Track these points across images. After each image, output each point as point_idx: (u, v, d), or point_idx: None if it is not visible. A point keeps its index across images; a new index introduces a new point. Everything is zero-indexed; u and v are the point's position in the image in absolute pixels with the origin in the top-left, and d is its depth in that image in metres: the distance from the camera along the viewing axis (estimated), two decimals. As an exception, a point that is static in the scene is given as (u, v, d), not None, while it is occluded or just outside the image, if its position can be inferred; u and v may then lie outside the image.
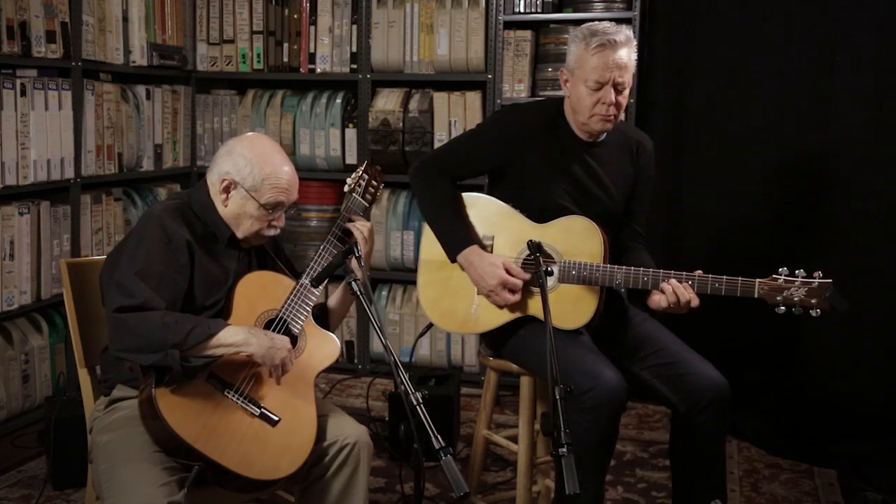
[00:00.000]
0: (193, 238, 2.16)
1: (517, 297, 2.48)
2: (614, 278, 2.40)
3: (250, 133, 2.32)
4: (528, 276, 2.47)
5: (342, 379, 4.31)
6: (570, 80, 2.50)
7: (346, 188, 2.42)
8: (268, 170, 2.18)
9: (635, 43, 2.46)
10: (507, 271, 2.46)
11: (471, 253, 2.51)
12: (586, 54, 2.42)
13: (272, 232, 2.25)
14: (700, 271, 2.36)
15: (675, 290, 2.34)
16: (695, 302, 2.34)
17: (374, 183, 2.44)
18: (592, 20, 3.95)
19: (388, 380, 4.19)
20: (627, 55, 2.42)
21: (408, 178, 2.70)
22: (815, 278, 2.28)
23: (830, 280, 2.27)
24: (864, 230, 3.48)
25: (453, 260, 2.54)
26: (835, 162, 3.55)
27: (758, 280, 2.31)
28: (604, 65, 2.40)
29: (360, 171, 2.44)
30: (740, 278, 2.32)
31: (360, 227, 2.34)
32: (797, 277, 2.29)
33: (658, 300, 2.37)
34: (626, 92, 2.47)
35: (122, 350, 2.00)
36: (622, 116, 2.57)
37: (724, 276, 2.33)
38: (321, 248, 2.29)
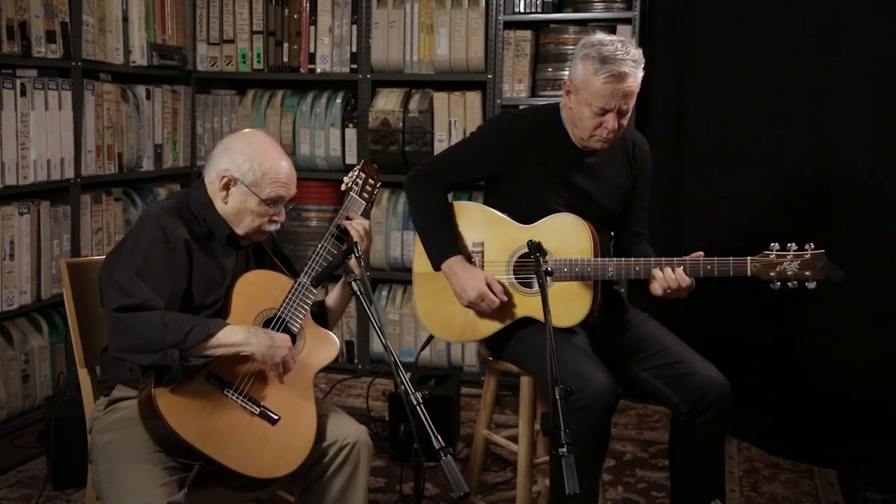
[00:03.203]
0: (191, 237, 2.16)
1: (490, 310, 2.49)
2: (607, 271, 2.40)
3: (247, 130, 2.32)
4: (505, 298, 2.49)
5: (342, 379, 4.31)
6: (572, 94, 2.46)
7: (343, 187, 2.42)
8: (267, 165, 2.19)
9: (643, 62, 2.42)
10: (489, 287, 2.47)
11: (454, 263, 2.51)
12: (594, 79, 2.37)
13: (273, 227, 2.25)
14: (701, 253, 2.36)
15: (665, 276, 2.34)
16: (685, 282, 2.34)
17: (372, 181, 2.43)
18: (592, 20, 4.01)
19: (388, 380, 4.19)
20: (635, 81, 2.39)
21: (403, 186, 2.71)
22: (806, 250, 2.28)
23: (823, 250, 2.26)
24: (865, 230, 3.47)
25: (437, 268, 2.54)
26: (835, 162, 3.55)
27: (749, 258, 2.30)
28: (611, 93, 2.36)
29: (356, 169, 2.43)
30: (732, 258, 2.31)
31: (356, 226, 2.34)
32: (789, 251, 2.29)
33: (654, 287, 2.37)
34: (629, 114, 2.45)
35: (122, 350, 2.00)
36: None
37: (716, 258, 2.33)
38: (319, 246, 2.29)
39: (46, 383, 3.66)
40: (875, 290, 3.41)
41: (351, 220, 2.35)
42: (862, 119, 3.48)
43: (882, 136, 3.45)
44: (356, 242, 2.24)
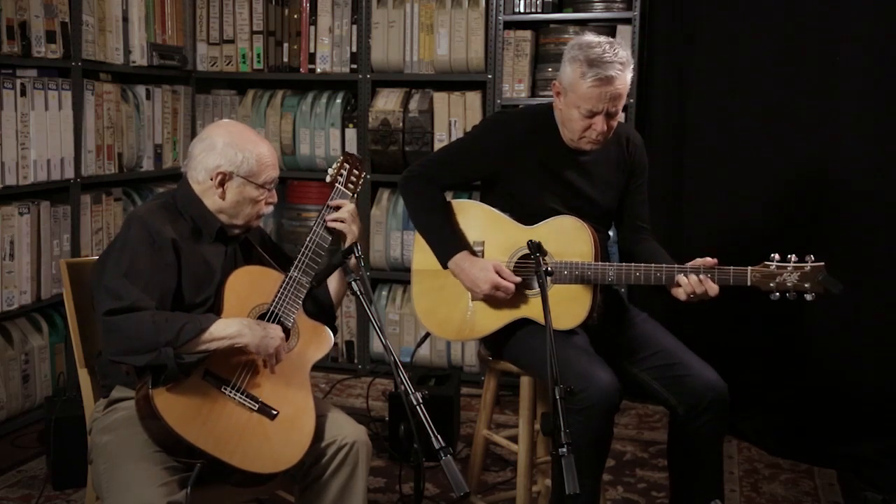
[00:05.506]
0: (178, 236, 2.16)
1: (509, 296, 2.48)
2: (607, 275, 2.40)
3: (221, 122, 2.32)
4: (518, 278, 2.48)
5: (342, 379, 4.31)
6: (562, 96, 2.46)
7: (327, 178, 2.43)
8: (256, 151, 2.22)
9: (632, 62, 2.41)
10: (499, 274, 2.46)
11: (461, 259, 2.51)
12: (581, 83, 2.37)
13: (269, 209, 2.29)
14: (714, 260, 2.35)
15: (691, 283, 2.33)
16: (712, 291, 2.33)
17: (356, 172, 2.45)
18: (592, 20, 4.01)
19: (388, 380, 4.19)
20: (623, 83, 2.37)
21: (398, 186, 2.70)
22: (806, 262, 2.28)
23: (822, 263, 2.27)
24: (864, 231, 3.47)
25: (445, 266, 2.54)
26: (834, 162, 3.55)
27: (750, 268, 2.31)
28: (598, 97, 2.36)
29: (340, 160, 2.45)
30: (732, 267, 2.32)
31: (343, 214, 2.35)
32: (789, 262, 2.29)
33: (677, 292, 2.37)
34: (619, 114, 2.44)
35: (116, 353, 2.00)
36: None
37: (716, 267, 2.33)
38: (308, 239, 2.30)
39: (46, 383, 3.66)
40: (875, 290, 3.41)
41: (338, 208, 2.35)
42: (862, 118, 3.48)
43: (882, 136, 3.45)
44: (356, 243, 2.24)
